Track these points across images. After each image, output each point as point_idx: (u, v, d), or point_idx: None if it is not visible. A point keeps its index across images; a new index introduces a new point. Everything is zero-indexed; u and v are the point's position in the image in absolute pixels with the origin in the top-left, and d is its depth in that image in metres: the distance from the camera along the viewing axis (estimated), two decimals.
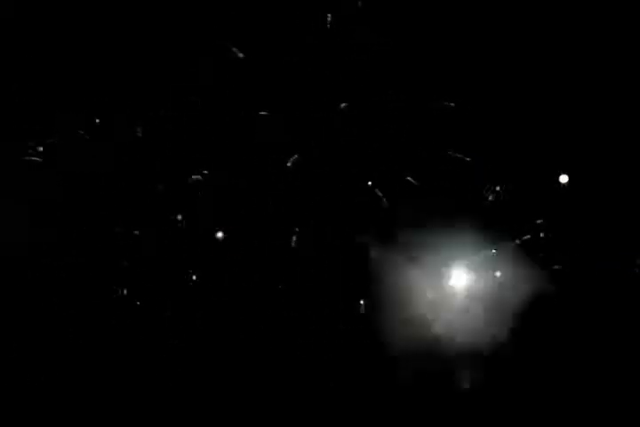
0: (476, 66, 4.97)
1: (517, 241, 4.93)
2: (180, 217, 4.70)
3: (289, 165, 4.82)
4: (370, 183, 4.89)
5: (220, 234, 4.76)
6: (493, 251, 4.88)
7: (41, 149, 4.72)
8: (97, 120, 4.75)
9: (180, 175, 4.78)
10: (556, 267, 4.86)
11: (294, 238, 4.78)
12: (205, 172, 4.79)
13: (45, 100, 4.78)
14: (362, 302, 4.73)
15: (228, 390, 4.52)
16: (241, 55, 4.91)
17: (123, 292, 4.60)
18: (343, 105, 4.92)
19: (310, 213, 4.81)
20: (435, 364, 4.65)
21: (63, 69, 4.82)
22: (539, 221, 4.94)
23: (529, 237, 4.93)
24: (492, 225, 4.91)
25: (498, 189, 4.94)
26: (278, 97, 4.91)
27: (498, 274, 4.87)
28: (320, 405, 4.51)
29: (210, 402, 4.51)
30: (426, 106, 4.94)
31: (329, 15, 4.93)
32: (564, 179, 4.99)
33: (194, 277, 4.64)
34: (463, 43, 4.95)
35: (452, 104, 4.97)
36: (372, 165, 4.91)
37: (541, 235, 4.92)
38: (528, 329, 4.74)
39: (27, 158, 4.72)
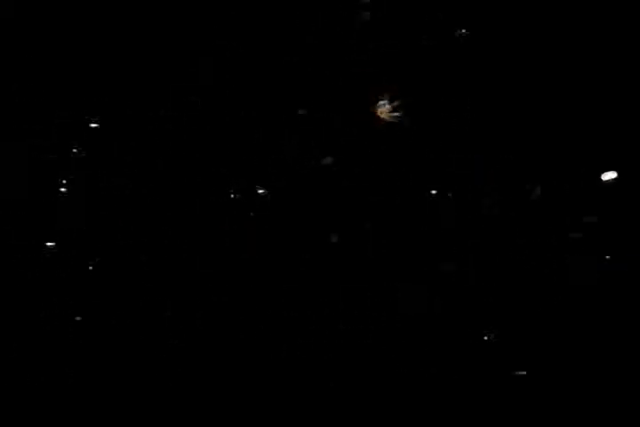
0: (511, 63, 4.76)
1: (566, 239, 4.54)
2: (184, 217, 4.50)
3: (322, 164, 4.62)
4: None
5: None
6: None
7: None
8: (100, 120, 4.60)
9: (193, 176, 4.58)
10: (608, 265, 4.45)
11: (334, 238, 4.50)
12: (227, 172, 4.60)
13: (44, 100, 4.61)
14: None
15: (228, 389, 4.36)
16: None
17: (122, 291, 4.44)
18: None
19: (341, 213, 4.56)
20: (443, 364, 4.32)
21: (63, 69, 4.64)
22: (588, 219, 4.57)
23: (580, 235, 4.55)
24: (538, 223, 4.57)
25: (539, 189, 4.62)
26: (295, 98, 4.72)
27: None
28: (320, 405, 4.32)
29: (210, 402, 4.35)
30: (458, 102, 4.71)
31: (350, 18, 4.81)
32: (611, 175, 4.67)
33: (194, 278, 4.45)
34: (484, 43, 4.74)
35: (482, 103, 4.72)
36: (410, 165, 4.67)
37: (592, 232, 4.56)
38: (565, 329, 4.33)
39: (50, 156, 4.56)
